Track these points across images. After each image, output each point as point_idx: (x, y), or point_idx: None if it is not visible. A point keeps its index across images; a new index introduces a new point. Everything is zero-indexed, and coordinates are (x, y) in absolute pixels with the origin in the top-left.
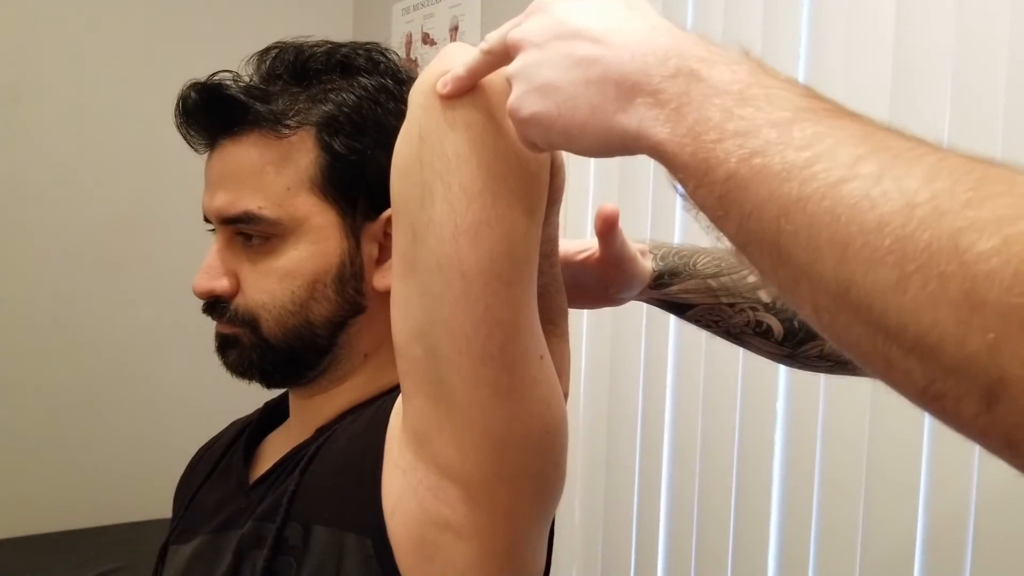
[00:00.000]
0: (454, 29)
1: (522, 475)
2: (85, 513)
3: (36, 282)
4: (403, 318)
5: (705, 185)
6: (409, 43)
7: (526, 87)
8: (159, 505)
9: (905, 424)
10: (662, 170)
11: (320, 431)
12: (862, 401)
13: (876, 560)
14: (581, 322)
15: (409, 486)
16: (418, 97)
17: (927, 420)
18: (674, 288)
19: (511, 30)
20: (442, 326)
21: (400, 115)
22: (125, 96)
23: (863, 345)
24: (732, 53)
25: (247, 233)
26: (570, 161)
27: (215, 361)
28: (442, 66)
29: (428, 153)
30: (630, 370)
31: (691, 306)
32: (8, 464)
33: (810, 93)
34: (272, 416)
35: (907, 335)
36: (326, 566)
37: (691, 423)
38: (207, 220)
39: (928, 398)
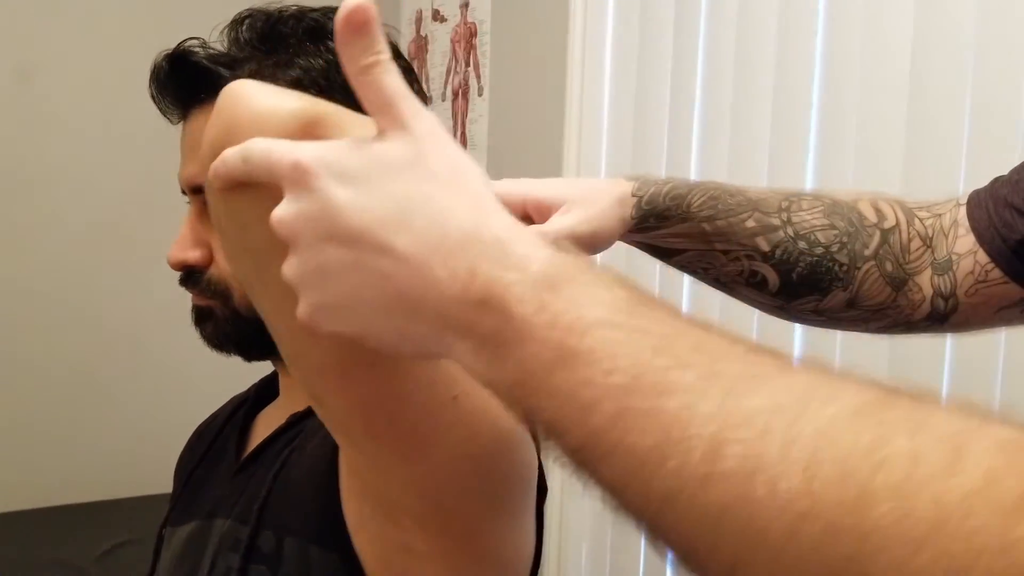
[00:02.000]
0: (464, 5)
1: (467, 501)
2: (95, 486)
3: (48, 259)
4: None
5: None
6: (419, 19)
7: (315, 300)
8: (168, 480)
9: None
10: (677, 148)
11: (293, 418)
12: (879, 365)
13: None
14: None
15: (365, 512)
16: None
17: (944, 385)
18: (661, 232)
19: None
20: (322, 408)
21: None
22: (137, 73)
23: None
24: (542, 255)
25: None
26: (582, 134)
27: None
28: (221, 124)
29: (225, 241)
30: None
31: (680, 251)
32: (19, 438)
33: (631, 310)
34: (268, 390)
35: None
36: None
37: None
38: (183, 192)
39: None
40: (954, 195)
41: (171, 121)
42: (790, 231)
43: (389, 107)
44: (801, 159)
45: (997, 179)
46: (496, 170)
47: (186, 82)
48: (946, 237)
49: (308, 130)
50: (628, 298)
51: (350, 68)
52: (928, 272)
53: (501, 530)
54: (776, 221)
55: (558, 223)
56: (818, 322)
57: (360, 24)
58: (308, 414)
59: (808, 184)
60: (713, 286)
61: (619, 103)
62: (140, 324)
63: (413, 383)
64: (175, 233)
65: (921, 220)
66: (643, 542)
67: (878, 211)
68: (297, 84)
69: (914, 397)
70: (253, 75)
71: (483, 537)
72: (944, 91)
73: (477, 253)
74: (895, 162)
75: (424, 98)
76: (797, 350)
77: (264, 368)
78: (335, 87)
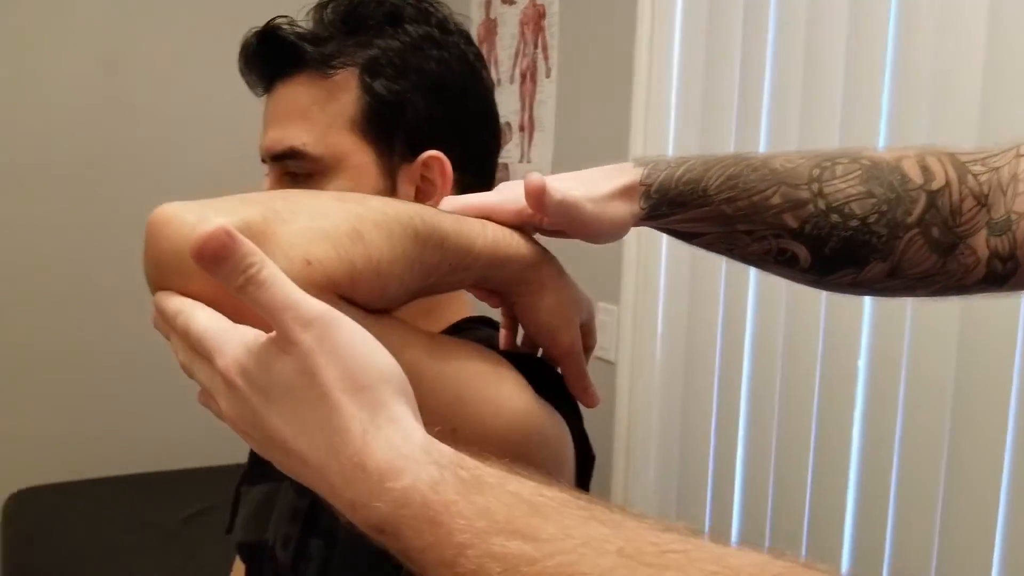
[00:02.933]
0: None
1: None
2: (183, 455)
3: (135, 242)
4: None
5: None
6: (488, 2)
7: (259, 451)
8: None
9: (994, 360)
10: (745, 128)
11: None
12: (949, 336)
13: (959, 503)
14: (660, 255)
15: None
16: None
17: (1018, 354)
18: (676, 218)
19: (211, 362)
20: None
21: (442, 62)
22: (216, 62)
23: None
24: (421, 487)
25: (293, 172)
26: (649, 115)
27: None
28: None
29: None
30: (709, 305)
31: (700, 234)
32: (112, 409)
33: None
34: None
35: None
36: (351, 559)
37: (770, 359)
38: (263, 161)
39: None
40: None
41: (256, 94)
42: (821, 204)
43: (275, 322)
44: (874, 125)
45: None
46: (563, 152)
47: (272, 56)
48: (1004, 193)
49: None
50: (508, 516)
51: (229, 287)
52: (983, 233)
53: None
54: (805, 194)
55: (566, 191)
56: (857, 293)
57: (216, 252)
58: None
59: None
60: (740, 262)
61: (687, 83)
62: None
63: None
64: None
65: (975, 176)
66: (708, 515)
67: (925, 169)
68: (374, 61)
69: None
70: (335, 52)
71: None
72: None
73: (366, 491)
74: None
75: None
76: (866, 320)
77: None
78: (409, 67)
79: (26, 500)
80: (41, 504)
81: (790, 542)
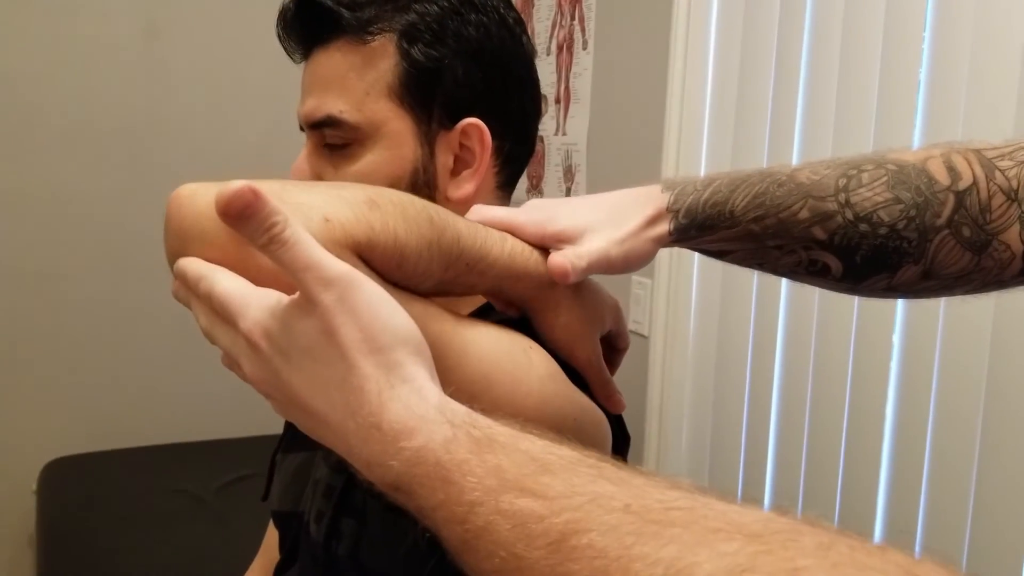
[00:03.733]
0: None
1: None
2: (217, 425)
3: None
4: None
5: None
6: None
7: (281, 412)
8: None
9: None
10: (782, 101)
11: None
12: (983, 331)
13: (991, 492)
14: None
15: None
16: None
17: None
18: (706, 239)
19: (232, 336)
20: None
21: (481, 27)
22: (257, 31)
23: None
24: (434, 444)
25: (331, 143)
26: (685, 87)
27: None
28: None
29: None
30: (743, 279)
31: (730, 252)
32: (148, 381)
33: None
34: None
35: None
36: (381, 537)
37: (804, 333)
38: (301, 129)
39: None
40: None
41: (294, 60)
42: (849, 214)
43: (297, 282)
44: (909, 119)
45: None
46: (600, 124)
47: (310, 22)
48: None
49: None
50: (518, 475)
51: (253, 245)
52: (1015, 227)
53: None
54: (832, 206)
55: (590, 243)
56: (894, 296)
57: (241, 211)
58: None
59: None
60: (773, 275)
61: (724, 56)
62: None
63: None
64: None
65: (1003, 172)
66: (740, 489)
67: (951, 169)
68: (412, 27)
69: (788, 551)
70: (373, 18)
71: None
72: None
73: (381, 450)
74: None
75: (532, 49)
76: (899, 318)
77: None
78: (447, 33)
79: (61, 469)
80: (76, 474)
81: (822, 515)
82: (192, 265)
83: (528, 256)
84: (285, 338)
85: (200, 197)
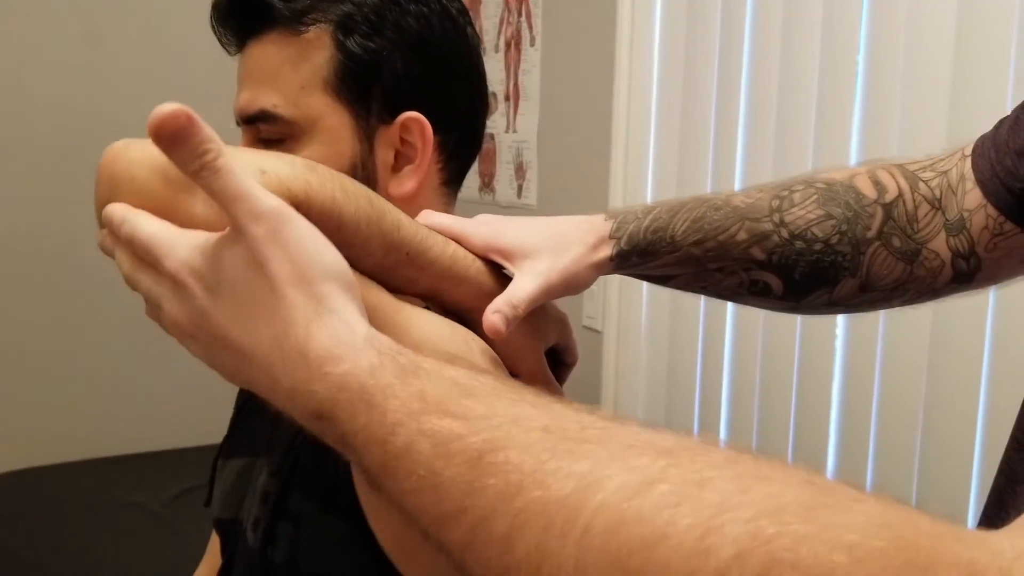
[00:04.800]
0: None
1: None
2: (164, 436)
3: None
4: None
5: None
6: None
7: (205, 361)
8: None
9: (963, 363)
10: (726, 85)
11: None
12: (921, 338)
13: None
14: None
15: (376, 501)
16: None
17: (986, 357)
18: (649, 265)
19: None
20: None
21: (421, 18)
22: (197, 37)
23: None
24: (359, 371)
25: (266, 138)
26: (632, 81)
27: None
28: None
29: None
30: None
31: (673, 276)
32: (93, 391)
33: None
34: None
35: None
36: (317, 542)
37: (751, 340)
38: (237, 124)
39: None
40: (960, 146)
41: (229, 52)
42: (784, 233)
43: (227, 212)
44: (846, 133)
45: (1001, 121)
46: (549, 121)
47: (243, 13)
48: (955, 194)
49: (176, 179)
50: (440, 398)
51: (184, 172)
52: (942, 235)
53: None
54: (768, 226)
55: (526, 285)
56: (836, 311)
57: (174, 133)
58: None
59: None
60: (716, 298)
61: (669, 51)
62: None
63: None
64: None
65: (926, 182)
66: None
67: (877, 184)
68: (348, 18)
69: (698, 463)
70: (308, 8)
71: None
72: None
73: (306, 376)
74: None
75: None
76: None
77: None
78: (386, 24)
79: (9, 484)
80: (22, 489)
81: None
82: (118, 209)
83: (470, 263)
84: (213, 273)
85: (133, 147)
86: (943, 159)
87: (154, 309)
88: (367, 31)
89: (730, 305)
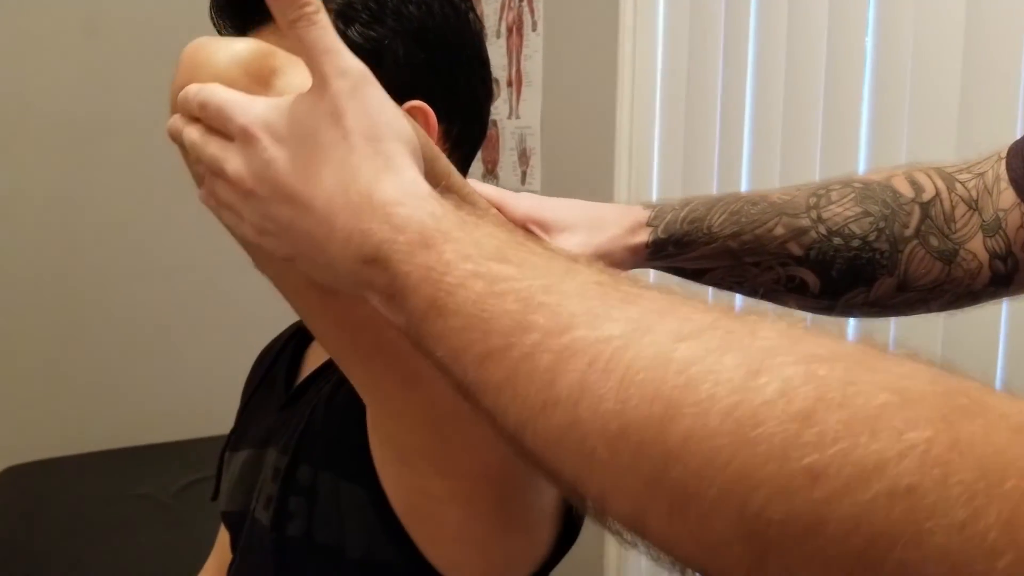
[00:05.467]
0: None
1: (476, 440)
2: (173, 427)
3: (121, 211)
4: None
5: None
6: None
7: (257, 229)
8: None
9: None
10: (733, 71)
11: None
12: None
13: None
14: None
15: (384, 456)
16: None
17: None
18: (684, 256)
19: (219, 150)
20: (316, 334)
21: (422, 5)
22: (198, 28)
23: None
24: (421, 215)
25: None
26: (635, 66)
27: None
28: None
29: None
30: None
31: (707, 271)
32: (102, 385)
33: (508, 243)
34: None
35: (674, 557)
36: (331, 511)
37: None
38: None
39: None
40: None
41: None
42: (822, 229)
43: (313, 64)
44: (854, 139)
45: None
46: (553, 107)
47: (241, 5)
48: (991, 195)
49: (256, 72)
50: (499, 247)
51: (279, 22)
52: (979, 236)
53: (519, 472)
54: (805, 222)
55: (562, 244)
56: (873, 313)
57: None
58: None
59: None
60: (751, 297)
61: (673, 34)
62: (213, 271)
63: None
64: None
65: (963, 183)
66: None
67: (914, 184)
68: (348, 7)
69: (750, 321)
70: None
71: (500, 480)
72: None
73: (369, 216)
74: (948, 153)
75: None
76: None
77: None
78: (386, 12)
79: (18, 477)
80: (33, 480)
81: None
82: (193, 86)
83: (512, 228)
84: (285, 125)
85: (217, 40)
86: (979, 162)
87: (212, 182)
88: (367, 19)
89: None
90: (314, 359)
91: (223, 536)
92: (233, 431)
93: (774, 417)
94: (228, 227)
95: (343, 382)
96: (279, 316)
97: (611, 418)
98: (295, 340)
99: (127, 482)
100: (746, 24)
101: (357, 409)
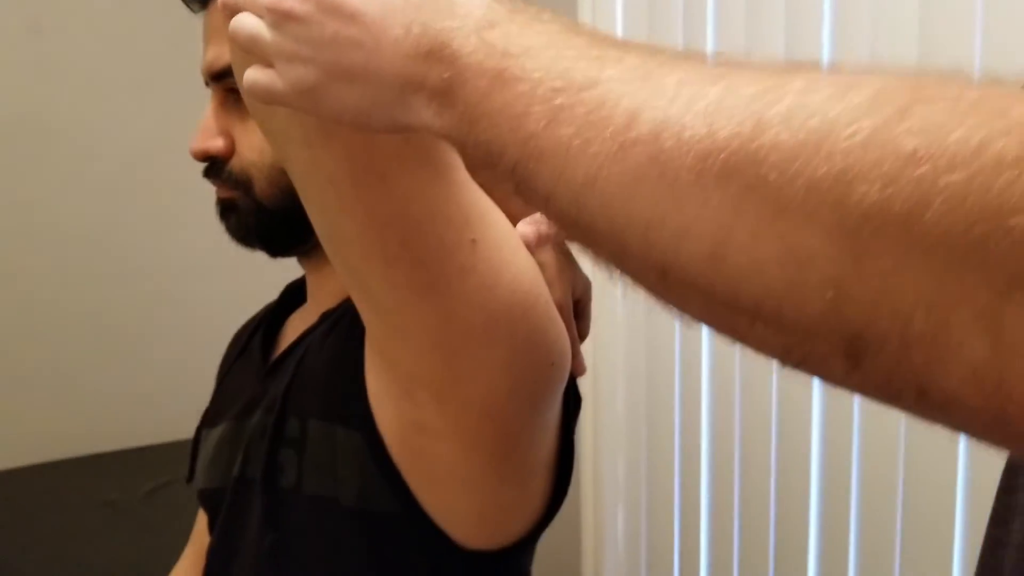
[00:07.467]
0: None
1: (483, 368)
2: (136, 433)
3: (75, 211)
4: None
5: (498, 167)
6: None
7: (296, 77)
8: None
9: (939, 453)
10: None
11: (324, 316)
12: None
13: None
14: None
15: (383, 388)
16: None
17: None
18: None
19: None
20: (338, 237)
21: None
22: (144, 26)
23: (709, 319)
24: (482, 2)
25: (237, 90)
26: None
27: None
28: None
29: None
30: (666, 368)
31: None
32: (62, 390)
33: (574, 31)
34: (295, 296)
35: (743, 304)
36: (324, 459)
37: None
38: (206, 84)
39: (792, 363)
40: None
41: (192, 10)
42: None
43: None
44: None
45: None
46: None
47: None
48: None
49: None
50: (563, 28)
51: None
52: None
53: (520, 412)
54: None
55: None
56: None
57: None
58: (338, 311)
59: None
60: None
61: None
62: (171, 272)
63: (427, 209)
64: (194, 177)
65: None
66: (678, 460)
67: None
68: None
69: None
70: None
71: (499, 415)
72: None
73: (427, 10)
74: None
75: None
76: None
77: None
78: None
79: None
80: None
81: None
82: None
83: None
84: None
85: None
86: None
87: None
88: None
89: (706, 348)
90: (292, 332)
91: (200, 523)
92: (208, 409)
93: (870, 116)
94: (264, 97)
95: (334, 327)
96: (245, 319)
97: (696, 142)
98: (269, 319)
99: (91, 489)
100: (704, 20)
101: (352, 352)
